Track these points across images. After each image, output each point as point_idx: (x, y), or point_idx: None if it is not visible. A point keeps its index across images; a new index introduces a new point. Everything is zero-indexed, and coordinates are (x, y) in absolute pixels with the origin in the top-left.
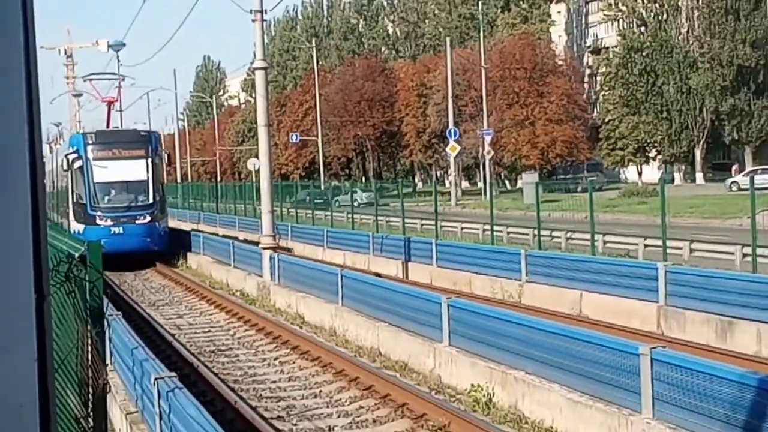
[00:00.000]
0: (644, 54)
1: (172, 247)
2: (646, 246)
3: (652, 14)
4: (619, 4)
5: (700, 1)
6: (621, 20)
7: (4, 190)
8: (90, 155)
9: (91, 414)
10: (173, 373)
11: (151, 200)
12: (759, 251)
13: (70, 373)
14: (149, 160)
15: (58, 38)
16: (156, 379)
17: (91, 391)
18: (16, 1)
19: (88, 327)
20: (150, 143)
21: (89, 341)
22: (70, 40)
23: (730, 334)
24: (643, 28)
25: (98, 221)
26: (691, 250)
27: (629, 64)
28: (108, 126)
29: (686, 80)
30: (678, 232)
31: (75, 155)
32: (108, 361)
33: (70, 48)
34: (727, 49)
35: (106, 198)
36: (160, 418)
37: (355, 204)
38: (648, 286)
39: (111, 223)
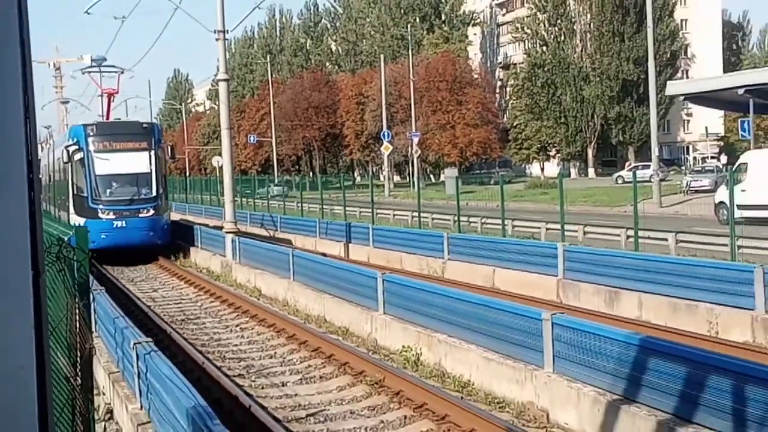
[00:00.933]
0: (545, 69)
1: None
2: (547, 229)
3: (552, 36)
4: (525, 28)
5: (592, 25)
6: (526, 41)
7: (6, 183)
8: (91, 147)
9: (79, 374)
10: (149, 339)
11: (154, 193)
12: (640, 233)
13: (61, 339)
14: (152, 152)
15: (48, 53)
16: (135, 344)
17: (78, 354)
18: (14, 22)
19: (76, 299)
20: (153, 135)
21: (77, 312)
22: (58, 55)
23: (616, 302)
24: (544, 48)
25: (100, 215)
26: (585, 233)
27: (533, 78)
28: (108, 118)
29: (580, 91)
30: (574, 217)
31: (75, 147)
32: (93, 329)
33: (58, 62)
34: (614, 65)
35: (108, 191)
36: (138, 377)
37: (271, 195)
38: (549, 263)
39: (113, 217)
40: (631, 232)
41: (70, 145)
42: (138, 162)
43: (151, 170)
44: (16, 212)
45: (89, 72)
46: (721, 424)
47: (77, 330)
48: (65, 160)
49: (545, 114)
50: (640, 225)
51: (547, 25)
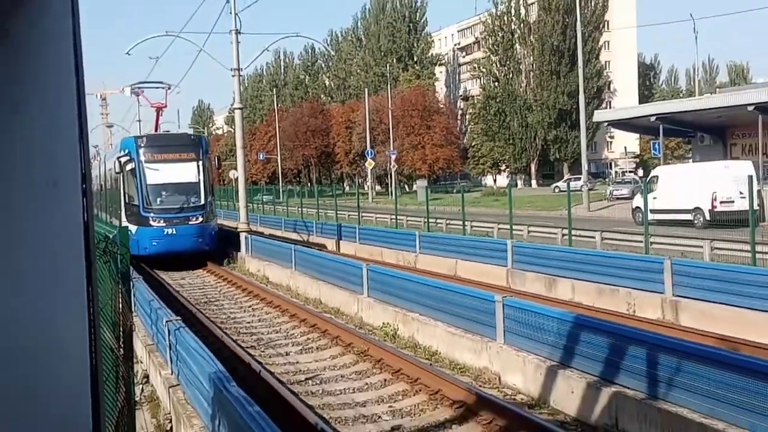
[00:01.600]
0: (497, 100)
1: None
2: (499, 229)
3: (503, 74)
4: (481, 67)
5: (534, 66)
6: (482, 78)
7: (66, 193)
8: (142, 158)
9: (122, 346)
10: (179, 317)
11: (202, 201)
12: (573, 232)
13: (107, 318)
14: (200, 162)
15: (96, 86)
16: (167, 321)
17: (121, 330)
18: (71, 60)
19: (119, 286)
20: (200, 146)
21: (120, 295)
22: (104, 88)
23: (554, 287)
24: (496, 83)
25: (151, 222)
26: (529, 232)
27: (487, 107)
28: (156, 130)
29: (525, 118)
30: (520, 219)
31: (127, 158)
32: (132, 309)
33: (104, 93)
34: (552, 97)
35: (159, 199)
36: (170, 348)
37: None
38: (500, 256)
39: (164, 224)
40: (565, 231)
41: (122, 156)
42: (187, 172)
43: (199, 179)
44: (73, 215)
45: (139, 88)
46: (637, 384)
47: (120, 310)
48: (117, 170)
49: (497, 136)
50: (573, 225)
51: (498, 65)
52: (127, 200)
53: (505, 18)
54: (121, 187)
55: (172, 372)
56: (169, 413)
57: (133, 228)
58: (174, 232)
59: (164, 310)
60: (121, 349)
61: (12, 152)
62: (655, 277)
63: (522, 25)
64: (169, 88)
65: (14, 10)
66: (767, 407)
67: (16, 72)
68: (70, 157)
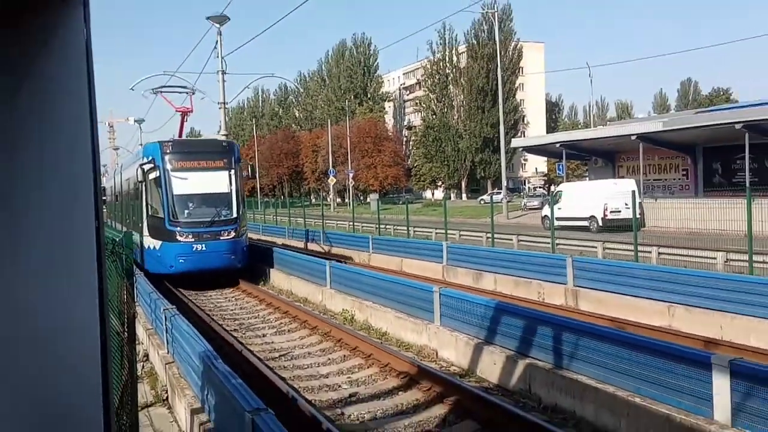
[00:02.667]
0: (435, 130)
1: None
2: (436, 233)
3: (439, 109)
4: (421, 103)
5: (464, 102)
6: (422, 111)
7: (81, 203)
8: (168, 165)
9: (126, 330)
10: (173, 306)
11: (235, 214)
12: (495, 235)
13: (114, 307)
14: (232, 170)
15: (104, 115)
16: (164, 309)
17: (126, 317)
18: (85, 92)
19: (124, 280)
20: (233, 153)
21: (125, 288)
22: (111, 116)
23: (480, 279)
24: (434, 116)
25: (178, 237)
26: (460, 235)
27: (426, 135)
28: (180, 136)
29: (457, 144)
30: (453, 225)
31: (150, 165)
32: (135, 300)
33: (111, 121)
34: (478, 128)
35: (187, 212)
36: (166, 332)
37: None
38: (437, 255)
39: (192, 240)
40: (489, 235)
41: (145, 164)
42: (218, 181)
43: (231, 190)
44: (87, 221)
45: (161, 92)
46: (546, 357)
47: (125, 300)
48: (139, 178)
49: (434, 159)
50: (495, 230)
51: (435, 102)
52: (150, 212)
53: (441, 64)
54: (143, 197)
55: (168, 351)
56: (165, 386)
57: (156, 243)
58: (204, 248)
59: (162, 300)
60: (126, 333)
61: (37, 169)
62: (560, 271)
63: (454, 69)
64: (192, 93)
65: (36, 47)
66: (647, 374)
67: (40, 101)
68: (86, 173)
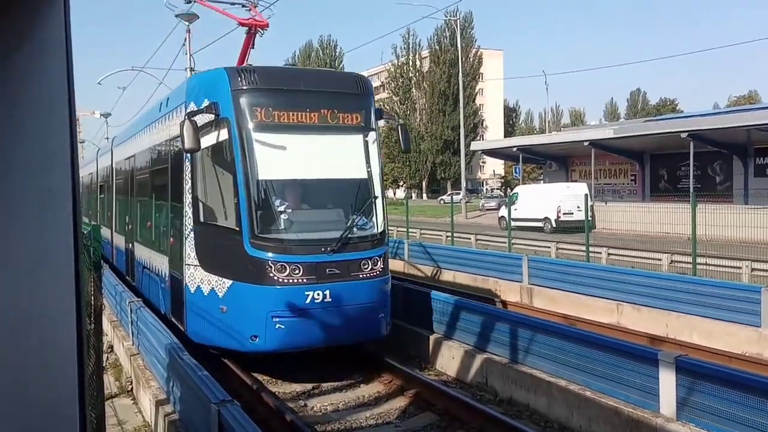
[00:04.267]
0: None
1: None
2: (397, 231)
3: (402, 111)
4: (385, 106)
5: (426, 106)
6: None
7: (59, 196)
8: (249, 117)
9: (93, 321)
10: (139, 299)
11: (381, 225)
12: (454, 235)
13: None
14: (372, 135)
15: None
16: (129, 302)
17: (93, 308)
18: (63, 85)
19: (92, 272)
20: (370, 101)
21: (93, 280)
22: (77, 110)
23: (440, 274)
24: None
25: (273, 274)
26: (421, 234)
27: (390, 137)
28: (244, 62)
29: (419, 146)
30: (414, 224)
31: (206, 118)
32: (102, 292)
33: (78, 114)
34: (439, 130)
35: (291, 219)
36: (131, 324)
37: None
38: (400, 252)
39: (304, 281)
40: (449, 234)
41: (194, 114)
42: (348, 156)
43: (371, 173)
44: (65, 215)
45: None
46: (502, 351)
47: (93, 292)
48: (174, 149)
49: (397, 159)
50: (454, 229)
51: (398, 104)
52: (200, 216)
53: (405, 68)
54: (185, 186)
55: (133, 343)
56: (130, 377)
57: (216, 284)
58: (327, 297)
59: (127, 293)
60: (93, 324)
61: (12, 161)
62: (516, 269)
63: (417, 74)
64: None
65: (14, 39)
66: (595, 368)
67: (19, 92)
68: (63, 166)
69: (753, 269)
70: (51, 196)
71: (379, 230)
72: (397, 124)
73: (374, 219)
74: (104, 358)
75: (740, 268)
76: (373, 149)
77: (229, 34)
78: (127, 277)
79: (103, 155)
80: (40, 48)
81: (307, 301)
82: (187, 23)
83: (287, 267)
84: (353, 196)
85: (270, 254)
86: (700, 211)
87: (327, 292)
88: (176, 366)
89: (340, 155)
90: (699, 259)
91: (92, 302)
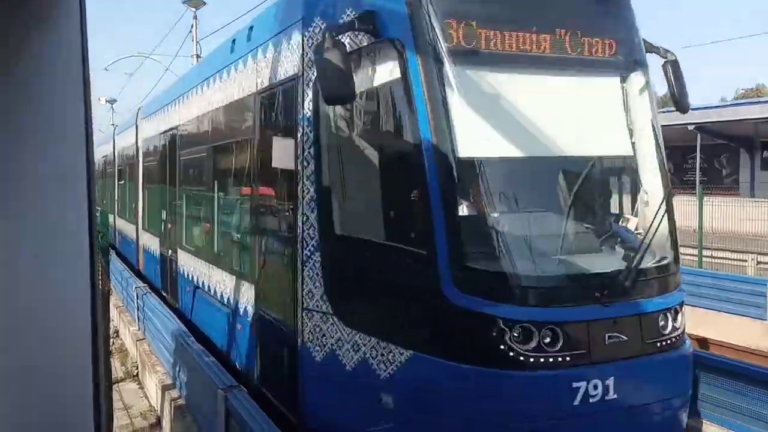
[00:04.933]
0: None
1: None
2: None
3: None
4: None
5: None
6: None
7: (74, 181)
8: (443, 42)
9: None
10: (145, 285)
11: (674, 245)
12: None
13: None
14: (642, 78)
15: None
16: (135, 287)
17: (101, 293)
18: (78, 70)
19: (100, 257)
20: (634, 15)
21: (100, 266)
22: None
23: None
24: None
25: (512, 345)
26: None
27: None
28: None
29: None
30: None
31: (353, 39)
32: (109, 277)
33: None
34: None
35: (537, 237)
36: (137, 309)
37: None
38: None
39: (568, 360)
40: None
41: (339, 32)
42: (610, 117)
43: (653, 148)
44: (81, 206)
45: None
46: None
47: (100, 277)
48: (277, 107)
49: None
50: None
51: None
52: (341, 227)
53: None
54: (307, 170)
55: (139, 328)
56: (136, 362)
57: (385, 354)
58: (609, 391)
59: (134, 278)
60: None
61: (26, 144)
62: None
63: None
64: None
65: (33, 24)
66: None
67: (34, 78)
68: (77, 148)
69: (759, 262)
70: (65, 180)
71: (674, 255)
72: (665, 60)
73: (666, 235)
74: (110, 343)
75: (746, 261)
76: (647, 103)
77: (235, 22)
78: (165, 293)
79: (123, 133)
80: (56, 34)
81: (577, 400)
82: (193, 9)
83: (535, 332)
84: (627, 189)
85: (499, 306)
86: (707, 203)
87: (609, 382)
88: (183, 351)
89: (595, 114)
90: (705, 252)
91: (101, 285)
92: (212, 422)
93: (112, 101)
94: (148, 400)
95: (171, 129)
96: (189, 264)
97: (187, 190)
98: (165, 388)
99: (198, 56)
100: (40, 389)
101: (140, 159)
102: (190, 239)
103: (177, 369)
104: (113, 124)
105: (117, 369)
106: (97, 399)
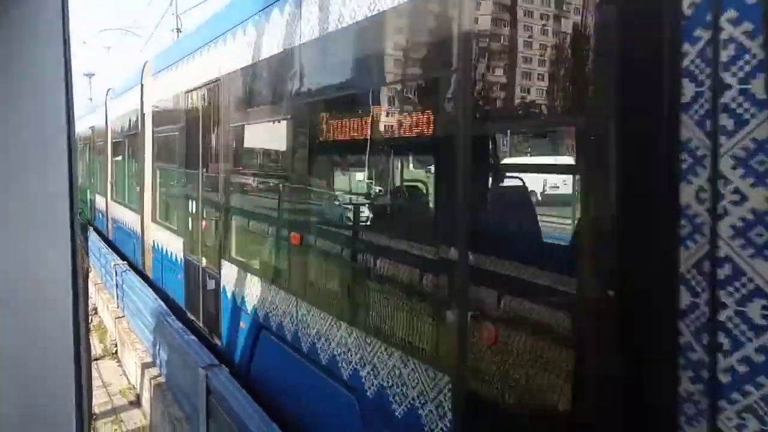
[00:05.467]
0: None
1: None
2: None
3: None
4: None
5: None
6: None
7: (57, 165)
8: None
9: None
10: (125, 262)
11: None
12: None
13: None
14: None
15: None
16: (114, 264)
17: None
18: (59, 43)
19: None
20: None
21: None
22: None
23: None
24: None
25: None
26: None
27: None
28: None
29: None
30: None
31: None
32: (88, 254)
33: None
34: None
35: None
36: (116, 287)
37: None
38: None
39: None
40: None
41: None
42: None
43: None
44: (62, 186)
45: None
46: None
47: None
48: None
49: None
50: None
51: None
52: None
53: None
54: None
55: (118, 306)
56: (115, 339)
57: None
58: None
59: (112, 255)
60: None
61: (8, 121)
62: None
63: None
64: None
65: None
66: None
67: (13, 50)
68: (58, 121)
69: None
70: (46, 155)
71: None
72: None
73: None
74: (89, 320)
75: None
76: None
77: None
78: (193, 318)
79: (121, 97)
80: (35, 6)
81: None
82: None
83: None
84: None
85: None
86: None
87: None
88: (163, 330)
89: None
90: None
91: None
92: (193, 400)
93: (90, 75)
94: (128, 378)
95: (205, 85)
96: (266, 295)
97: (249, 174)
98: (145, 366)
99: (179, 30)
100: (21, 369)
101: (149, 130)
102: (260, 253)
103: (157, 347)
104: (90, 99)
105: (96, 347)
106: (78, 378)
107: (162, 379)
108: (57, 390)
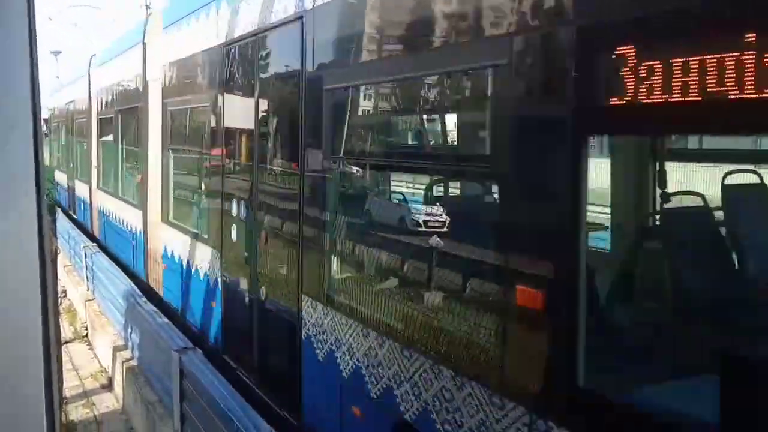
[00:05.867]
0: None
1: None
2: None
3: None
4: None
5: None
6: None
7: (22, 142)
8: None
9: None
10: (94, 244)
11: None
12: None
13: None
14: None
15: None
16: (83, 246)
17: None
18: (23, 21)
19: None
20: None
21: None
22: None
23: None
24: None
25: None
26: None
27: None
28: None
29: None
30: None
31: None
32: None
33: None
34: None
35: None
36: (86, 269)
37: None
38: None
39: None
40: None
41: None
42: None
43: None
44: (26, 153)
45: None
46: None
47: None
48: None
49: None
50: None
51: None
52: None
53: None
54: None
55: (88, 288)
56: (85, 322)
57: None
58: None
59: (81, 237)
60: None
61: None
62: None
63: None
64: None
65: None
66: None
67: None
68: (24, 105)
69: None
70: (10, 133)
71: None
72: None
73: None
74: (59, 303)
75: None
76: None
77: None
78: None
79: (110, 62)
80: None
81: None
82: None
83: None
84: None
85: None
86: None
87: None
88: (135, 313)
89: None
90: None
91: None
92: (166, 383)
93: (56, 53)
94: (99, 361)
95: (248, 38)
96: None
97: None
98: (116, 349)
99: (147, 7)
100: None
101: (155, 100)
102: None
103: (129, 330)
104: (57, 77)
105: (65, 330)
106: (48, 361)
107: (134, 362)
108: (26, 371)
